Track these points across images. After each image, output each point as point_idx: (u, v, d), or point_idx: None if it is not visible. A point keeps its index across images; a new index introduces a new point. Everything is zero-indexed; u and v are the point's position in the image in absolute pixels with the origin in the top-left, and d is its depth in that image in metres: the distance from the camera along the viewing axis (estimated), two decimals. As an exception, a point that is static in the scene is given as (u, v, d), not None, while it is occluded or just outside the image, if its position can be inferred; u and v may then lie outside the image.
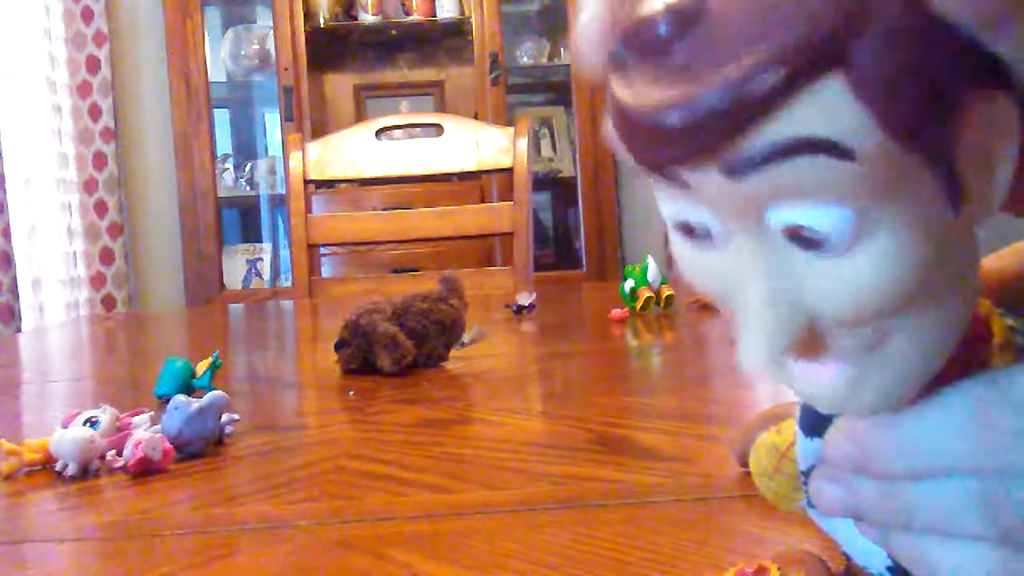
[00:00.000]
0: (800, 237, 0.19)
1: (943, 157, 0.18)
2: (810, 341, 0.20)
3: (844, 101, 0.17)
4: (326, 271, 2.88)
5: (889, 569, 0.24)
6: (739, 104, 0.17)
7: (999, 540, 0.21)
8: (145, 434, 0.57)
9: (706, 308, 1.23)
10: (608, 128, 0.22)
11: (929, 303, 0.20)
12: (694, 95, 0.17)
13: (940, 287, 0.20)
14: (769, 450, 0.27)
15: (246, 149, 3.23)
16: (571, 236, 3.22)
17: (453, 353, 0.92)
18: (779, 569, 0.29)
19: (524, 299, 1.32)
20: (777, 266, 0.19)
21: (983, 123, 0.18)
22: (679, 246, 0.21)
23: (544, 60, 3.16)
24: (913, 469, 0.22)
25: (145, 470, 0.55)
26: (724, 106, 0.17)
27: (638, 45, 0.18)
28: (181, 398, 0.60)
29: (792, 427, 0.26)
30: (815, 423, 0.24)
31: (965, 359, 0.22)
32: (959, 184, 0.19)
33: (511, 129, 1.81)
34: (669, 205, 0.20)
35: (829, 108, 0.17)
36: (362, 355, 0.86)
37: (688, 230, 0.20)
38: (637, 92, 0.18)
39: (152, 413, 0.64)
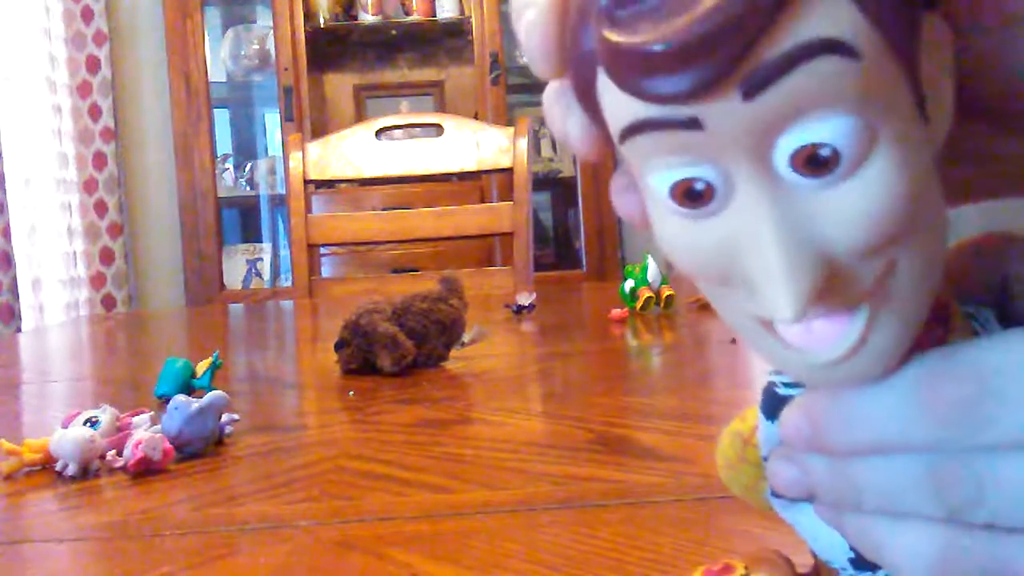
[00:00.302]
0: (812, 161, 0.19)
1: (915, 67, 0.19)
2: (824, 289, 0.20)
3: (840, 1, 0.18)
4: (326, 271, 2.88)
5: (851, 562, 0.24)
6: (753, 9, 0.17)
7: (947, 519, 0.21)
8: (145, 434, 0.57)
9: (706, 308, 1.23)
10: (579, 133, 0.22)
11: (920, 228, 0.20)
12: (710, 8, 0.17)
13: (926, 211, 0.20)
14: (733, 439, 0.27)
15: (246, 149, 3.23)
16: (571, 236, 3.23)
17: (453, 353, 0.92)
18: (745, 567, 0.28)
19: (524, 299, 1.33)
20: (786, 208, 0.19)
21: (931, 40, 0.20)
22: (672, 225, 0.21)
23: (544, 60, 3.15)
24: (862, 445, 0.22)
25: (145, 470, 0.55)
26: (739, 11, 0.17)
27: None
28: (181, 398, 0.60)
29: (756, 414, 0.26)
30: (776, 406, 0.24)
31: (924, 342, 0.21)
32: (924, 99, 0.20)
33: (511, 129, 1.81)
34: (666, 171, 0.20)
35: (830, 8, 0.18)
36: (362, 355, 0.86)
37: (688, 196, 0.20)
38: (645, 30, 0.18)
39: (152, 413, 0.64)
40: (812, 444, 0.22)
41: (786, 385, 0.25)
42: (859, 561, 0.24)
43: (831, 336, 0.20)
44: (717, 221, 0.20)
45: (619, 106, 0.20)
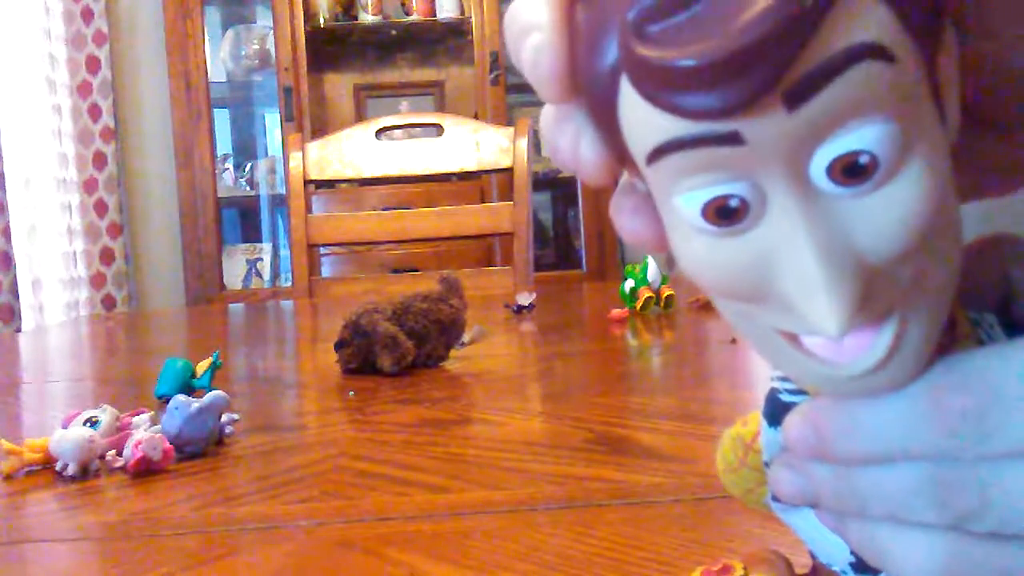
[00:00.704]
0: (850, 169, 0.18)
1: (934, 72, 0.19)
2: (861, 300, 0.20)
3: (871, 4, 0.18)
4: (326, 271, 2.88)
5: (852, 566, 0.24)
6: (800, 15, 0.17)
7: (951, 527, 0.21)
8: (145, 434, 0.57)
9: (706, 308, 1.23)
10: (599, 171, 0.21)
11: (944, 233, 0.20)
12: (755, 18, 0.17)
13: (948, 216, 0.20)
14: (735, 443, 0.27)
15: (246, 149, 3.23)
16: (571, 236, 3.23)
17: (453, 353, 0.92)
18: (744, 568, 0.28)
19: (524, 299, 1.33)
20: (822, 220, 0.19)
21: (945, 45, 0.20)
22: (700, 246, 0.20)
23: (544, 60, 3.16)
24: (867, 454, 0.22)
25: (145, 470, 0.55)
26: (786, 18, 0.17)
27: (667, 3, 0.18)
28: (181, 398, 0.60)
29: (758, 419, 0.26)
30: (779, 412, 0.24)
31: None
32: (942, 104, 0.20)
33: (511, 129, 1.81)
34: (699, 190, 0.19)
35: (867, 13, 0.18)
36: (362, 355, 0.86)
37: (721, 214, 0.19)
38: (682, 44, 0.18)
39: (152, 413, 0.64)
40: (816, 452, 0.22)
41: (790, 392, 0.24)
42: (859, 565, 0.24)
43: (861, 348, 0.20)
44: (749, 238, 0.20)
45: (648, 125, 0.19)
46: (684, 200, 0.20)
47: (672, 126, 0.19)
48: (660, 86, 0.18)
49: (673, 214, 0.20)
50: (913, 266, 0.20)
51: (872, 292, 0.19)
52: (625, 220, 0.23)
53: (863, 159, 0.18)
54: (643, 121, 0.19)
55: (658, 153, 0.19)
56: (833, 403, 0.22)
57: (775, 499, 0.25)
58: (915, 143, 0.19)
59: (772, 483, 0.24)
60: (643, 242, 0.22)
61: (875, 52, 0.18)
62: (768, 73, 0.17)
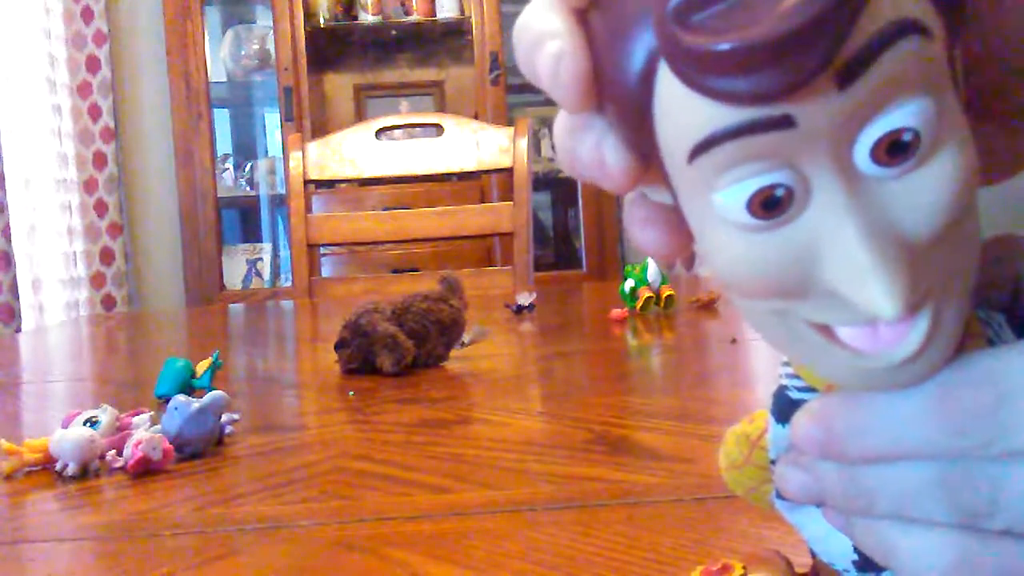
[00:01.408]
0: (894, 148, 0.19)
1: (952, 53, 0.20)
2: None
3: None
4: (326, 271, 2.88)
5: (855, 564, 0.24)
6: None
7: (959, 526, 0.21)
8: (145, 434, 0.57)
9: (706, 308, 1.23)
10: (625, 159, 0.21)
11: (971, 215, 0.20)
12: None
13: (974, 199, 0.20)
14: (740, 440, 0.27)
15: (246, 149, 3.23)
16: (571, 236, 3.23)
17: (453, 353, 0.92)
18: (744, 567, 0.28)
19: (524, 299, 1.33)
20: (866, 203, 0.19)
21: (960, 37, 0.20)
22: (739, 243, 0.20)
23: (544, 60, 3.16)
24: (876, 452, 0.22)
25: (145, 470, 0.55)
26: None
27: None
28: (181, 398, 0.60)
29: (765, 416, 0.26)
30: (788, 410, 0.24)
31: None
32: (958, 86, 0.20)
33: (511, 129, 1.81)
34: (744, 182, 0.19)
35: None
36: (362, 355, 0.86)
37: (766, 205, 0.19)
38: (731, 28, 0.17)
39: (152, 413, 0.64)
40: (824, 450, 0.22)
41: (799, 390, 0.24)
42: (863, 563, 0.24)
43: (898, 337, 0.20)
44: (793, 229, 0.19)
45: (692, 119, 0.19)
46: (726, 195, 0.19)
47: (720, 115, 0.18)
48: (711, 73, 0.18)
49: (709, 214, 0.20)
50: (945, 250, 0.20)
51: (913, 277, 0.19)
52: (638, 231, 0.22)
53: (907, 136, 0.19)
54: (686, 116, 0.19)
55: (705, 146, 0.19)
56: (843, 400, 0.22)
57: (780, 497, 0.25)
58: (947, 123, 0.19)
59: (778, 481, 0.24)
60: (658, 251, 0.22)
61: (919, 27, 0.18)
62: (824, 50, 0.17)
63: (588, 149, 0.21)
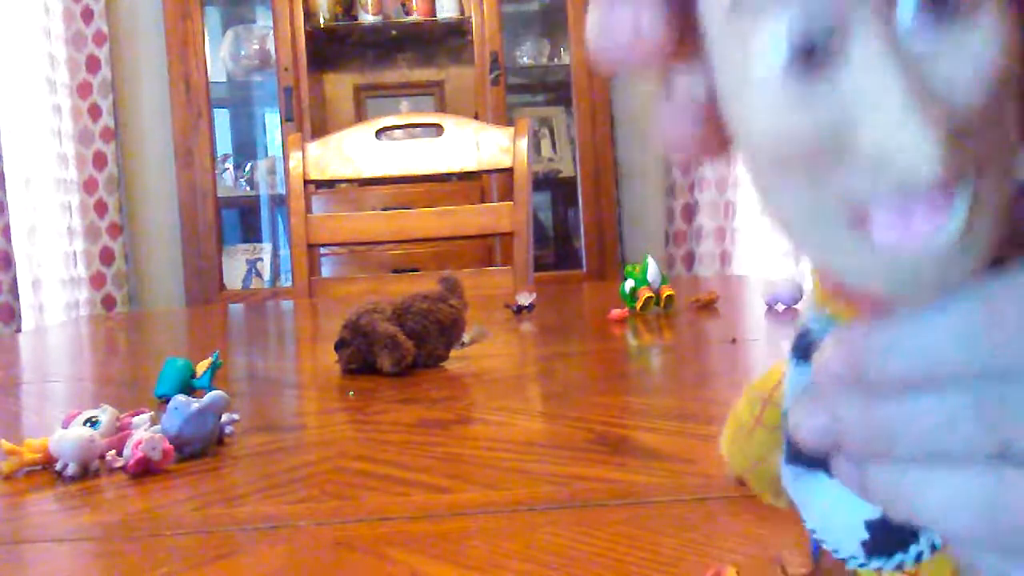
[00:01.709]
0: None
1: None
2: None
3: None
4: (326, 271, 2.88)
5: (864, 545, 0.24)
6: None
7: (996, 454, 0.19)
8: (145, 434, 0.57)
9: (706, 308, 1.23)
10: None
11: (1008, 99, 0.19)
12: None
13: (1011, 81, 0.19)
14: (752, 398, 0.26)
15: (246, 149, 3.23)
16: (571, 236, 3.23)
17: (453, 353, 0.92)
18: (737, 572, 0.28)
19: (524, 299, 1.33)
20: (908, 59, 0.18)
21: None
22: (775, 99, 0.19)
23: (544, 60, 3.16)
24: (907, 374, 0.20)
25: (145, 470, 0.55)
26: None
27: None
28: (181, 398, 0.60)
29: (780, 370, 0.25)
30: (810, 347, 0.23)
31: None
32: None
33: (511, 129, 1.81)
34: (784, 24, 0.18)
35: None
36: (362, 355, 0.86)
37: (808, 53, 0.19)
38: None
39: (152, 413, 0.64)
40: (849, 377, 0.21)
41: (823, 324, 0.23)
42: (872, 545, 0.23)
43: (934, 223, 0.19)
44: (831, 84, 0.19)
45: None
46: (767, 40, 0.19)
47: None
48: None
49: (746, 71, 0.19)
50: (985, 127, 0.19)
51: (952, 143, 0.18)
52: (671, 127, 0.21)
53: None
54: None
55: None
56: (871, 324, 0.21)
57: (788, 461, 0.24)
58: None
59: (792, 424, 0.22)
60: (689, 147, 0.21)
61: None
62: None
63: (623, 17, 0.20)
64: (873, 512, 0.23)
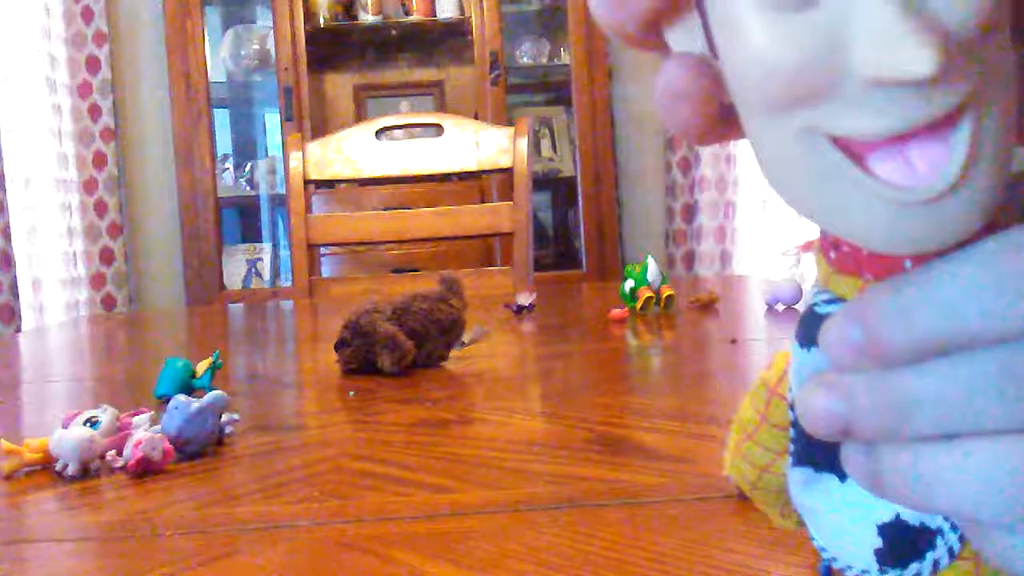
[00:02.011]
0: None
1: None
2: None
3: None
4: (326, 271, 2.88)
5: (877, 553, 0.22)
6: None
7: (1017, 428, 0.18)
8: (145, 434, 0.57)
9: (706, 308, 1.23)
10: None
11: (1003, 38, 0.19)
12: None
13: (1005, 24, 0.19)
14: (756, 393, 0.24)
15: (246, 149, 3.24)
16: (571, 236, 3.23)
17: (453, 353, 0.92)
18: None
19: (524, 299, 1.33)
20: None
21: None
22: (765, 28, 0.18)
23: (544, 60, 3.16)
24: (923, 341, 0.18)
25: (145, 470, 0.55)
26: None
27: None
28: (181, 398, 0.60)
29: (785, 357, 0.24)
30: (814, 326, 0.21)
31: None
32: None
33: (511, 129, 1.81)
34: None
35: None
36: (362, 355, 0.86)
37: None
38: None
39: (152, 413, 0.64)
40: (859, 349, 0.19)
41: (828, 303, 0.22)
42: (887, 552, 0.22)
43: (935, 163, 0.18)
44: (820, 9, 0.18)
45: None
46: None
47: None
48: None
49: (736, 7, 0.19)
50: (979, 60, 0.18)
51: (947, 65, 0.18)
52: (668, 104, 0.20)
53: None
54: None
55: None
56: (884, 286, 0.19)
57: (797, 463, 0.23)
58: None
59: (799, 408, 0.21)
60: (687, 126, 0.21)
61: None
62: None
63: None
64: (887, 515, 0.22)
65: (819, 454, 0.23)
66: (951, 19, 0.18)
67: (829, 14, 0.18)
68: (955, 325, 0.18)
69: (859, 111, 0.18)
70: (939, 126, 0.18)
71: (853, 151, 0.19)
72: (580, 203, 2.99)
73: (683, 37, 0.21)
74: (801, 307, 1.12)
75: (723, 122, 0.21)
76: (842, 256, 0.21)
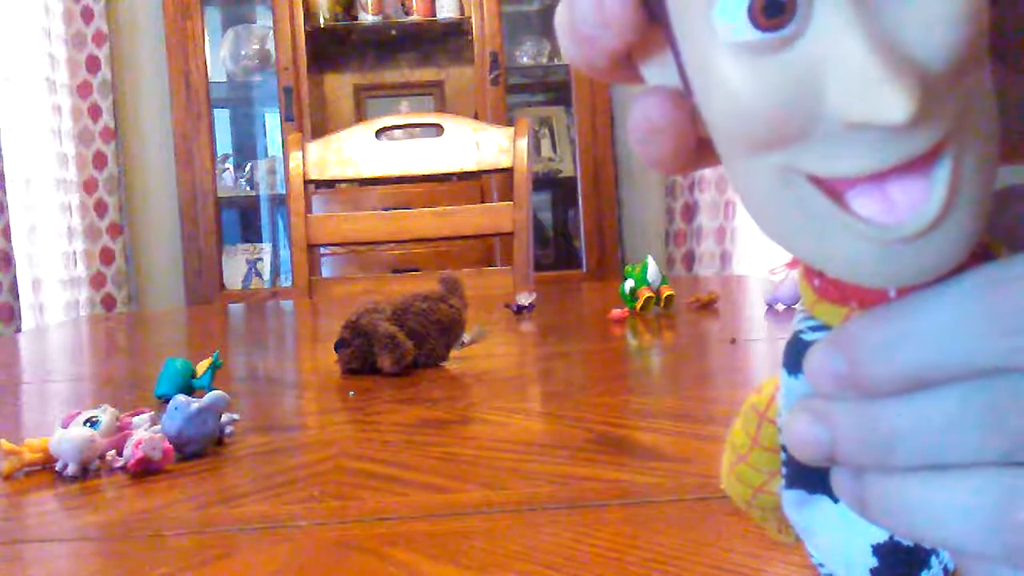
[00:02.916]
0: None
1: None
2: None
3: None
4: (326, 271, 2.88)
5: (872, 571, 0.22)
6: None
7: (1005, 455, 0.18)
8: (145, 434, 0.57)
9: (706, 308, 1.23)
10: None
11: (983, 69, 0.19)
12: None
13: (985, 55, 0.19)
14: (747, 416, 0.24)
15: (246, 149, 3.24)
16: (571, 236, 3.23)
17: (453, 353, 0.92)
18: None
19: (524, 299, 1.33)
20: (873, 20, 0.18)
21: None
22: (740, 70, 0.18)
23: (544, 60, 3.16)
24: (905, 373, 0.19)
25: (145, 470, 0.55)
26: None
27: None
28: (181, 398, 0.60)
29: (774, 383, 0.24)
30: (802, 355, 0.21)
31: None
32: None
33: (511, 129, 1.81)
34: None
35: None
36: (362, 355, 0.86)
37: (768, 11, 0.18)
38: None
39: (152, 413, 0.64)
40: (842, 380, 0.19)
41: (813, 330, 0.22)
42: (882, 571, 0.22)
43: (915, 200, 0.18)
44: (796, 48, 0.18)
45: None
46: (729, 4, 0.18)
47: None
48: None
49: (711, 47, 0.19)
50: (958, 94, 0.18)
51: (924, 108, 0.18)
52: (642, 140, 0.20)
53: None
54: None
55: None
56: (868, 317, 0.19)
57: (789, 486, 0.24)
58: None
59: (785, 434, 0.21)
60: (661, 162, 0.20)
61: None
62: None
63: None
64: (881, 535, 0.22)
65: (811, 476, 0.23)
66: (926, 57, 0.18)
67: (804, 58, 0.18)
68: (937, 359, 0.18)
69: (836, 152, 0.18)
70: (919, 163, 0.18)
71: (832, 189, 0.19)
72: (580, 203, 2.99)
73: (656, 70, 0.21)
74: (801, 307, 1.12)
75: (698, 152, 0.21)
76: (826, 284, 0.22)
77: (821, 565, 0.24)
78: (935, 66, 0.18)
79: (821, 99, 0.18)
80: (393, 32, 3.14)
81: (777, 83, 0.18)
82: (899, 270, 0.19)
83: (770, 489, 0.25)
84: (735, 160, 0.20)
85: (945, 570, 0.22)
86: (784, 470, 0.24)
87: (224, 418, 0.62)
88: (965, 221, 0.19)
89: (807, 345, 0.21)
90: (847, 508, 0.22)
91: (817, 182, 0.19)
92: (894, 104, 0.17)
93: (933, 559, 0.22)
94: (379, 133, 1.83)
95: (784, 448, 0.24)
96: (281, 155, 2.96)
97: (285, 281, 3.08)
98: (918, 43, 0.18)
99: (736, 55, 0.18)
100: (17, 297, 2.22)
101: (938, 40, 0.18)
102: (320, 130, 2.86)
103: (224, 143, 3.17)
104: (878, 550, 0.22)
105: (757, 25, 0.18)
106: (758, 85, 0.18)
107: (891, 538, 0.22)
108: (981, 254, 0.20)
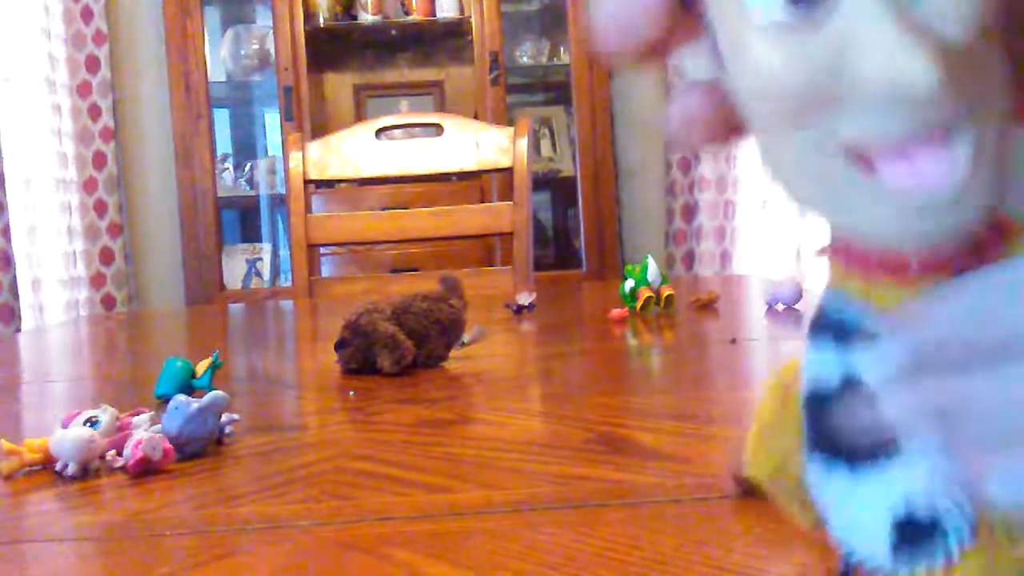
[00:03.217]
0: None
1: None
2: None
3: None
4: (326, 271, 2.88)
5: (894, 547, 0.23)
6: None
7: None
8: (145, 434, 0.57)
9: (706, 308, 1.23)
10: None
11: (995, 50, 0.20)
12: None
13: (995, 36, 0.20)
14: (774, 391, 0.25)
15: (246, 149, 3.23)
16: (571, 236, 3.23)
17: (453, 353, 0.92)
18: None
19: (524, 299, 1.33)
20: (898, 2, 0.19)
21: None
22: (771, 47, 0.19)
23: (544, 60, 3.16)
24: (991, 338, 0.19)
25: (145, 470, 0.55)
26: None
27: None
28: (181, 398, 0.60)
29: (796, 363, 0.24)
30: (826, 326, 0.22)
31: (988, 255, 0.21)
32: None
33: (511, 129, 1.81)
34: None
35: None
36: (362, 355, 0.86)
37: None
38: None
39: (152, 413, 0.64)
40: (931, 358, 0.20)
41: (839, 303, 0.23)
42: (899, 548, 0.23)
43: (940, 166, 0.19)
44: (825, 29, 0.19)
45: None
46: None
47: None
48: None
49: (744, 27, 0.20)
50: (975, 70, 0.19)
51: (947, 76, 0.19)
52: (681, 122, 0.22)
53: None
54: None
55: None
56: (936, 297, 0.20)
57: (811, 451, 0.24)
58: None
59: (887, 410, 0.21)
60: (695, 126, 0.22)
61: None
62: None
63: None
64: (898, 509, 0.23)
65: (831, 445, 0.24)
66: (944, 28, 0.19)
67: (832, 33, 0.19)
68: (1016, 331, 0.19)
69: (865, 121, 0.19)
70: (942, 132, 0.19)
71: (862, 157, 0.20)
72: (580, 203, 2.99)
73: (688, 56, 0.22)
74: (800, 307, 1.12)
75: (730, 130, 0.22)
76: (852, 256, 0.22)
77: (842, 542, 0.24)
78: (955, 38, 0.19)
79: (851, 73, 0.19)
80: (393, 32, 3.14)
81: (809, 60, 0.19)
82: (924, 233, 0.20)
83: (794, 465, 0.26)
84: (767, 131, 0.21)
85: (962, 546, 0.22)
86: (805, 436, 0.24)
87: (224, 418, 0.62)
88: (986, 186, 0.20)
89: (831, 318, 0.22)
90: (865, 481, 0.22)
91: (847, 151, 0.20)
92: (921, 74, 0.18)
93: (951, 534, 0.22)
94: (379, 133, 1.83)
95: (807, 419, 0.25)
96: (281, 155, 2.96)
97: (285, 281, 3.08)
98: (939, 16, 0.19)
99: (769, 36, 0.19)
100: (17, 297, 2.21)
101: (959, 13, 0.19)
102: (320, 130, 2.86)
103: (224, 143, 3.16)
104: (896, 524, 0.23)
105: (788, 7, 0.19)
106: (790, 61, 0.19)
107: (909, 512, 0.23)
108: (998, 226, 0.21)
